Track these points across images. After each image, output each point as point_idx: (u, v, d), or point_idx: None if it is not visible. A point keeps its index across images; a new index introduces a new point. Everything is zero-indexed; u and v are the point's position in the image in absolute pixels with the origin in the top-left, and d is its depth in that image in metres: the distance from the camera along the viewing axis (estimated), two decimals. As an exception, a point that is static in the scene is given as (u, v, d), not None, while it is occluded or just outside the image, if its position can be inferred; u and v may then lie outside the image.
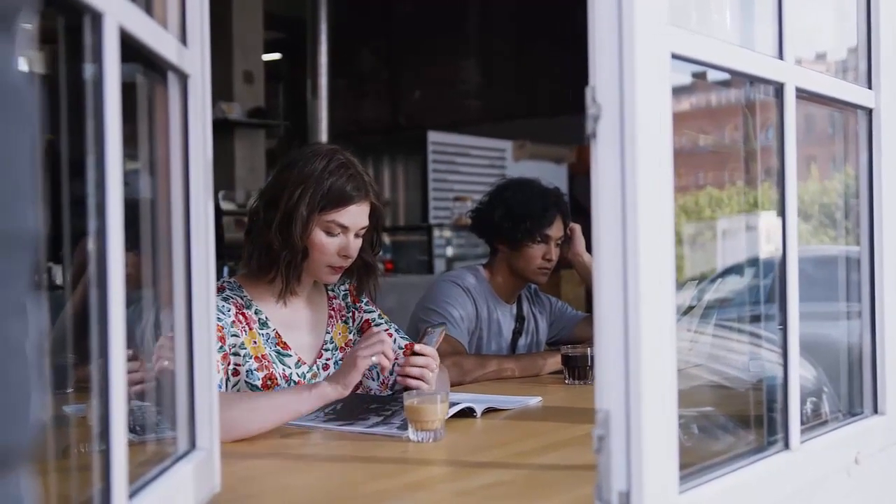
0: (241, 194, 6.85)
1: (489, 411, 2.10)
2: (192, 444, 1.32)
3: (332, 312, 2.29)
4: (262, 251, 2.13)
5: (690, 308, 1.88)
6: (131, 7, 1.05)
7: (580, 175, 7.59)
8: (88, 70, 0.98)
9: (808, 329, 1.50)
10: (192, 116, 1.32)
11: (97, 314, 0.97)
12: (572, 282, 5.95)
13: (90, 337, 0.99)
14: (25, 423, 0.52)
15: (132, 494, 1.05)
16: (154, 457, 1.29)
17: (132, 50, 1.07)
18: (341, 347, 2.27)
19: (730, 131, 1.97)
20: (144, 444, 1.38)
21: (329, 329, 2.26)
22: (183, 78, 1.30)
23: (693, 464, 1.26)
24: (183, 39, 1.30)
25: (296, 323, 2.20)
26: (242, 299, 2.14)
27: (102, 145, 0.97)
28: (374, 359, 1.91)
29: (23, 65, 0.54)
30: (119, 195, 0.99)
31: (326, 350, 2.24)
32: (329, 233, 2.11)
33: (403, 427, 1.83)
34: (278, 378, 2.10)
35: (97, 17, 0.96)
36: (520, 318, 3.05)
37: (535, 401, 2.27)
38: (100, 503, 0.96)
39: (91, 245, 0.97)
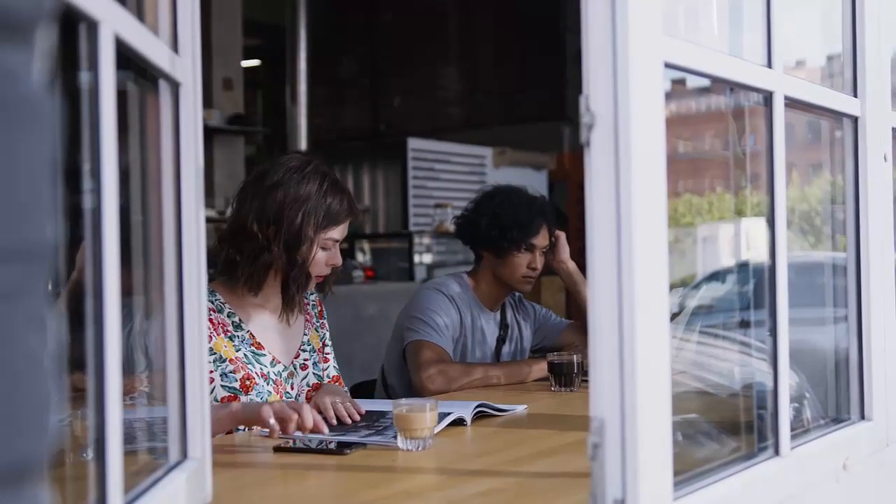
0: (221, 201, 6.81)
1: (480, 417, 2.10)
2: (184, 454, 1.31)
3: (308, 316, 2.36)
4: (258, 268, 2.14)
5: (675, 315, 1.88)
6: (126, 15, 1.05)
7: (559, 182, 7.60)
8: (83, 77, 0.97)
9: (791, 335, 1.51)
10: (183, 124, 1.31)
11: (93, 324, 0.96)
12: (552, 288, 5.96)
13: (79, 346, 0.98)
14: (44, 435, 0.52)
15: (127, 505, 1.04)
16: (145, 467, 1.28)
17: (125, 57, 1.07)
18: (317, 350, 2.35)
19: (709, 138, 1.99)
20: (134, 453, 1.37)
21: (306, 331, 2.33)
22: (175, 86, 1.30)
23: (686, 471, 1.27)
24: (174, 48, 1.30)
25: (272, 325, 2.25)
26: (213, 303, 2.17)
27: (98, 152, 0.96)
28: (272, 421, 1.83)
29: (40, 76, 0.53)
30: (114, 203, 0.98)
31: (304, 350, 2.31)
32: (324, 248, 2.20)
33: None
34: (255, 377, 2.14)
35: (93, 25, 0.96)
36: (504, 326, 3.05)
37: (521, 409, 2.27)
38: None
39: (87, 253, 0.97)
